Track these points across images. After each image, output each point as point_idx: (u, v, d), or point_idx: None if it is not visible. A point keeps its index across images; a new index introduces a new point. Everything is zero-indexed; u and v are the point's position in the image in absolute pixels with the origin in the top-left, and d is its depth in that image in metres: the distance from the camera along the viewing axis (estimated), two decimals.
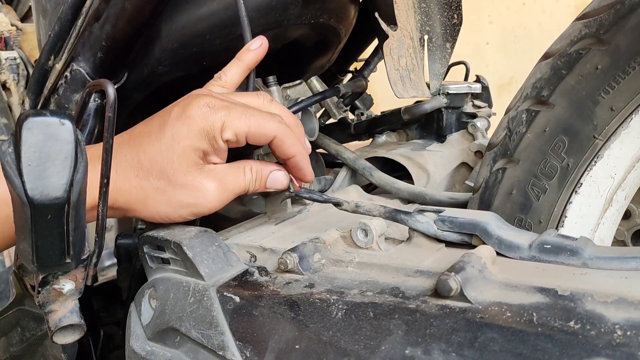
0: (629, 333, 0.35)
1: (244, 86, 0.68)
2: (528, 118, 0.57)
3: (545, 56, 0.57)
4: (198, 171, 0.58)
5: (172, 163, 0.57)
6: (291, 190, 0.65)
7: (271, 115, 0.60)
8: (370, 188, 0.92)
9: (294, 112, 0.78)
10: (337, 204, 0.62)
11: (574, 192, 0.56)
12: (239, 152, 0.64)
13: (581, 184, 0.56)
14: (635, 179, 0.58)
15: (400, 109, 1.00)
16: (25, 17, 1.61)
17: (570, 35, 0.55)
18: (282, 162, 0.63)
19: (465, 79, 1.17)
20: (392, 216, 0.56)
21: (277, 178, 0.63)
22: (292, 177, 0.64)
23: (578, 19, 0.55)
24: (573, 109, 0.55)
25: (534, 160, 0.57)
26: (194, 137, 0.57)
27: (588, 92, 0.54)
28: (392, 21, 0.67)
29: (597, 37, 0.53)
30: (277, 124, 0.59)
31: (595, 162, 0.55)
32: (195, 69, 0.77)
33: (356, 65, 1.14)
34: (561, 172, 0.56)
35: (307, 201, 0.76)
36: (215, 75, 0.67)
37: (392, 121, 1.03)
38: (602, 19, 0.52)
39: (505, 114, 0.60)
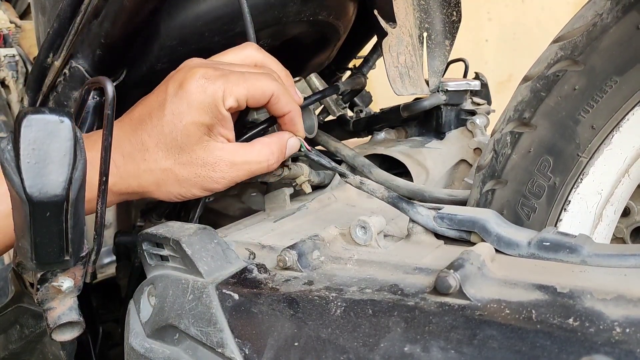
0: (627, 330, 0.35)
1: None
2: (512, 140, 0.59)
3: (525, 79, 0.58)
4: (203, 148, 0.58)
5: (176, 141, 0.57)
6: (302, 150, 0.65)
7: (265, 74, 0.59)
8: None
9: None
10: (343, 175, 0.63)
11: (563, 210, 0.57)
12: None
13: (569, 201, 0.57)
14: (622, 193, 0.59)
15: (399, 106, 1.00)
16: (24, 14, 1.61)
17: (547, 59, 0.56)
18: (277, 119, 0.63)
19: (464, 76, 1.17)
20: (395, 202, 0.57)
21: (293, 145, 0.63)
22: (302, 140, 0.64)
23: (554, 41, 0.56)
24: (555, 129, 0.56)
25: (521, 180, 0.59)
26: (194, 112, 0.56)
27: (568, 112, 0.55)
28: (391, 18, 0.67)
29: (572, 59, 0.54)
30: (272, 83, 0.59)
31: (582, 179, 0.56)
32: None
33: (355, 62, 1.14)
34: (549, 191, 0.57)
35: (306, 198, 0.77)
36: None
37: (391, 118, 1.03)
38: (576, 41, 0.54)
39: (490, 137, 0.61)
